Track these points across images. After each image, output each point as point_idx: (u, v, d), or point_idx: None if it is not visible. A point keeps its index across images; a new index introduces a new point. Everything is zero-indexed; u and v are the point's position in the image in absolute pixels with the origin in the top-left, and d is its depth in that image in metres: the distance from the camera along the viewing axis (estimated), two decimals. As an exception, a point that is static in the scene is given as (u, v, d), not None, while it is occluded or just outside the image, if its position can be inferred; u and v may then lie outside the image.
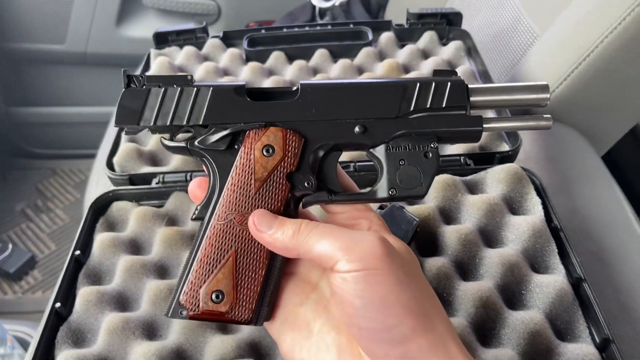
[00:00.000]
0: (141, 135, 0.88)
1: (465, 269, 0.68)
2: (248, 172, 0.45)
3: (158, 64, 1.02)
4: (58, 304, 0.65)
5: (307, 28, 1.10)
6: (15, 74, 2.09)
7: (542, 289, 0.64)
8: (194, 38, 1.10)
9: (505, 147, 0.82)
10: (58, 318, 0.65)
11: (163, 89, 0.46)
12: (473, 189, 0.76)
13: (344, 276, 0.39)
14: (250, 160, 0.45)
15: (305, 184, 0.45)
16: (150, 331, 0.65)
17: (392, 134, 0.46)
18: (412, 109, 0.46)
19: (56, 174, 2.25)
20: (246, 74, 1.02)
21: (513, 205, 0.74)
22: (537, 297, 0.64)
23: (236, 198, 0.44)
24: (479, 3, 1.40)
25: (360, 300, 0.39)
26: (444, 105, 0.46)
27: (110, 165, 0.82)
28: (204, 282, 0.44)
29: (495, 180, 0.75)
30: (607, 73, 0.94)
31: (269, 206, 0.45)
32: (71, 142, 2.22)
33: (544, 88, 0.47)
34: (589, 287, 0.63)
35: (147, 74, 1.02)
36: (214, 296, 0.44)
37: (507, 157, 0.79)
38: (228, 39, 1.11)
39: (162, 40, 1.09)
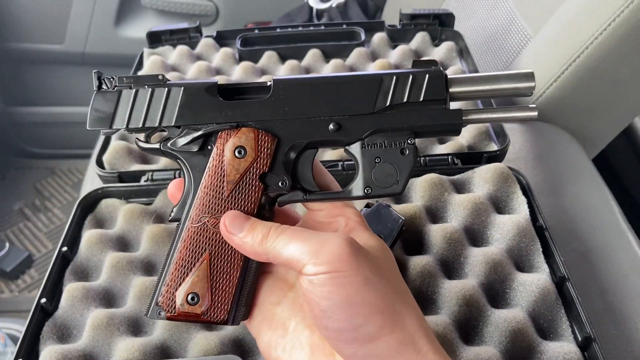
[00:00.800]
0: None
1: (450, 267, 0.69)
2: (220, 175, 0.44)
3: (151, 63, 1.03)
4: (44, 300, 0.65)
5: (300, 28, 1.10)
6: (15, 74, 2.10)
7: (526, 287, 0.64)
8: (188, 37, 1.11)
9: (494, 147, 0.83)
10: (44, 313, 0.65)
11: (134, 90, 0.46)
12: (460, 188, 0.77)
13: (310, 279, 0.39)
14: (222, 162, 0.44)
15: (279, 184, 0.45)
16: (135, 327, 0.65)
17: (367, 131, 0.45)
18: (388, 103, 0.45)
19: (54, 174, 2.25)
20: (238, 74, 1.02)
21: (499, 205, 0.74)
22: (520, 296, 0.64)
23: (209, 201, 0.44)
24: (474, 5, 1.40)
25: (326, 302, 0.39)
26: (421, 99, 0.45)
27: (100, 163, 0.83)
28: (180, 284, 0.44)
29: (481, 179, 0.75)
30: (597, 74, 0.95)
31: (242, 208, 0.44)
32: (70, 141, 2.23)
33: (529, 76, 0.45)
34: (572, 286, 0.63)
35: (140, 73, 1.02)
36: (189, 298, 0.44)
37: (495, 157, 0.79)
38: (221, 39, 1.12)
39: (155, 39, 1.10)
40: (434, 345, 0.40)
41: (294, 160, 0.46)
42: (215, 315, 0.44)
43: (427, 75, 0.45)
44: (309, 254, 0.39)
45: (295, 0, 1.92)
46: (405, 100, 0.45)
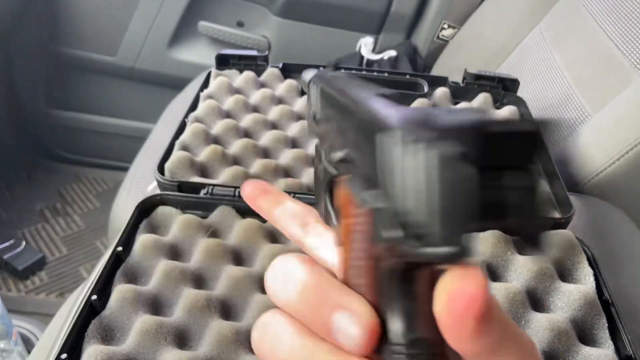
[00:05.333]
0: (193, 145, 0.88)
1: (510, 329, 0.66)
2: None
3: (217, 83, 1.04)
4: (94, 297, 0.63)
5: (364, 72, 1.12)
6: (61, 78, 2.14)
7: (591, 361, 0.62)
8: (255, 65, 1.13)
9: (556, 214, 0.81)
10: (91, 311, 0.64)
11: None
12: (522, 249, 0.75)
13: None
14: None
15: None
16: (182, 340, 0.63)
17: None
18: None
19: (79, 180, 2.26)
20: (300, 106, 1.03)
21: (563, 273, 0.72)
22: (584, 370, 0.62)
23: None
24: (530, 75, 1.42)
25: None
26: None
27: (161, 170, 0.82)
28: None
29: (546, 244, 0.73)
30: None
31: None
32: (101, 151, 2.24)
33: None
34: (640, 367, 0.60)
35: (205, 92, 1.04)
36: None
37: (559, 225, 0.78)
38: (286, 71, 1.13)
39: (223, 61, 1.12)
40: None
41: None
42: None
43: None
44: None
45: (346, 47, 1.97)
46: None
